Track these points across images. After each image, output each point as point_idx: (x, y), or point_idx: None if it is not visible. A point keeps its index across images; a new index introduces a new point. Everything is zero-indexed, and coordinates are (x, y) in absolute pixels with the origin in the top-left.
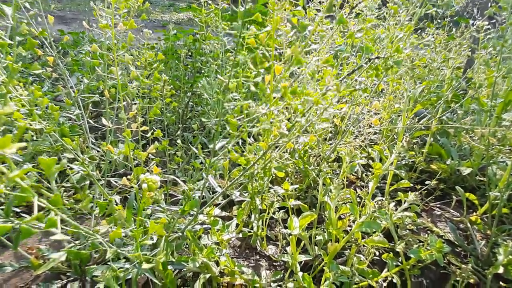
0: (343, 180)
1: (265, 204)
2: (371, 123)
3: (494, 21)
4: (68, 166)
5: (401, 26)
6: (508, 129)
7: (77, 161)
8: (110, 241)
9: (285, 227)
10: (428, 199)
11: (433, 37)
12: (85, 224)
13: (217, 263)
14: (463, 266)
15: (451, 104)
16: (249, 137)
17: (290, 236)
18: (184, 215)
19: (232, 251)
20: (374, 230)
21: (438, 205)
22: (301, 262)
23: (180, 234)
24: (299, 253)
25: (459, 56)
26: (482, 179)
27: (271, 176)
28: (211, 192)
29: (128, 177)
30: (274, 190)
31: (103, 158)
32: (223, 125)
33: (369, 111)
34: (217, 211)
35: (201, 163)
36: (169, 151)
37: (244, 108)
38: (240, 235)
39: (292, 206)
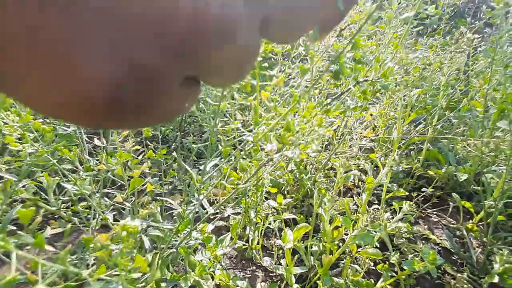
0: (339, 188)
1: (259, 218)
2: (364, 136)
3: (486, 30)
4: (65, 178)
5: (388, 44)
6: (500, 138)
7: (75, 171)
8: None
9: (281, 237)
10: (425, 205)
11: (427, 46)
12: (83, 237)
13: (212, 277)
14: (458, 275)
15: (446, 112)
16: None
17: (285, 248)
18: (178, 233)
19: (229, 262)
20: (367, 243)
21: (435, 212)
22: (296, 274)
23: (175, 250)
24: (295, 264)
25: (453, 63)
26: (477, 188)
27: (265, 188)
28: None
29: (122, 195)
30: (268, 204)
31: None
32: (217, 138)
33: (362, 123)
34: (210, 227)
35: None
36: (166, 164)
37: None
38: (236, 246)
39: (287, 218)
